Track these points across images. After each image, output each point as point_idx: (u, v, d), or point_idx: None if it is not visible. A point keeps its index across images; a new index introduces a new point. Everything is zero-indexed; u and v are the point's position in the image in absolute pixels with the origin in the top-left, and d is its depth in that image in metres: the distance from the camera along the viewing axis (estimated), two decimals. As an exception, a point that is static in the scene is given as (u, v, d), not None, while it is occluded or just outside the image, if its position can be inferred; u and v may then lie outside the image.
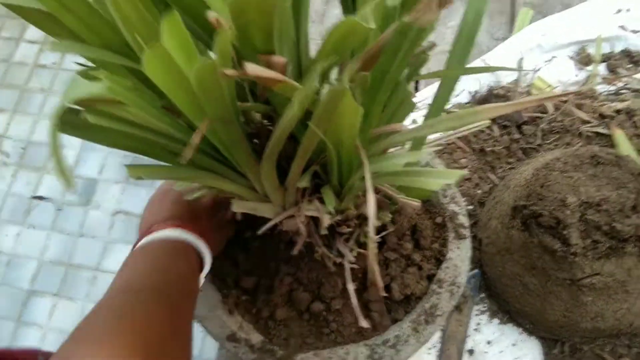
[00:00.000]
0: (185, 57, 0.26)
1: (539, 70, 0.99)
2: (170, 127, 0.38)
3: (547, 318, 0.73)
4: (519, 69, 1.00)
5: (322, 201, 0.48)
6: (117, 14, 0.32)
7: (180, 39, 0.25)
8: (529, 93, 0.96)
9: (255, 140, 0.49)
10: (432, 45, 0.54)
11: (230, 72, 0.26)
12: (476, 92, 0.99)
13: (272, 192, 0.47)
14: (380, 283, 0.61)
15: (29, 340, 1.14)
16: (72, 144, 1.40)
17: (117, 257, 1.18)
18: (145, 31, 0.31)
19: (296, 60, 0.46)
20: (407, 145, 0.53)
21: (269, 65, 0.34)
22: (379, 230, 0.62)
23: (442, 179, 0.35)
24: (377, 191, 0.54)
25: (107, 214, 1.29)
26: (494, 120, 0.94)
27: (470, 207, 0.89)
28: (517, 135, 0.92)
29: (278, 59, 0.34)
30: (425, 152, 0.57)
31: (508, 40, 1.03)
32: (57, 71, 1.42)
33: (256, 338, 0.59)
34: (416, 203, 0.50)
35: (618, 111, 0.91)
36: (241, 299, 0.62)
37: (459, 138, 0.95)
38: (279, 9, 0.32)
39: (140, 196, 1.31)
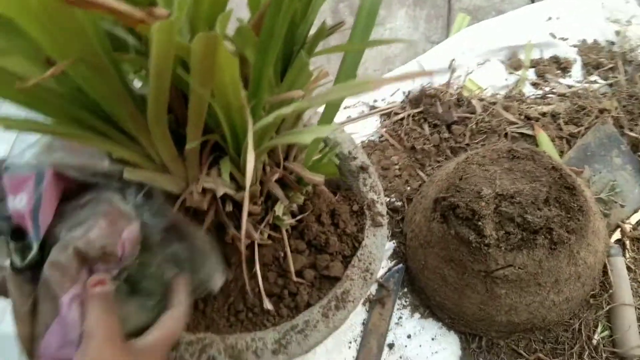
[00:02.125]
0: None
1: (471, 72, 1.01)
2: (53, 81, 0.36)
3: (465, 311, 0.73)
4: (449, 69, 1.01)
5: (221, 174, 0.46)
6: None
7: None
8: (460, 94, 0.97)
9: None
10: (341, 24, 0.54)
11: (72, -5, 0.24)
12: (409, 92, 1.00)
13: (170, 161, 0.45)
14: (292, 267, 0.60)
15: None
16: None
17: None
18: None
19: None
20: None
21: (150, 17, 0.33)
22: (296, 215, 0.61)
23: (315, 134, 0.35)
24: (285, 169, 0.54)
25: None
26: (425, 119, 0.95)
27: (399, 203, 0.89)
28: (446, 135, 0.93)
29: (160, 10, 0.33)
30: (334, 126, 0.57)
31: (442, 42, 1.05)
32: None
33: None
34: (319, 178, 0.49)
35: (544, 114, 0.94)
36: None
37: (391, 135, 0.95)
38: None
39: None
